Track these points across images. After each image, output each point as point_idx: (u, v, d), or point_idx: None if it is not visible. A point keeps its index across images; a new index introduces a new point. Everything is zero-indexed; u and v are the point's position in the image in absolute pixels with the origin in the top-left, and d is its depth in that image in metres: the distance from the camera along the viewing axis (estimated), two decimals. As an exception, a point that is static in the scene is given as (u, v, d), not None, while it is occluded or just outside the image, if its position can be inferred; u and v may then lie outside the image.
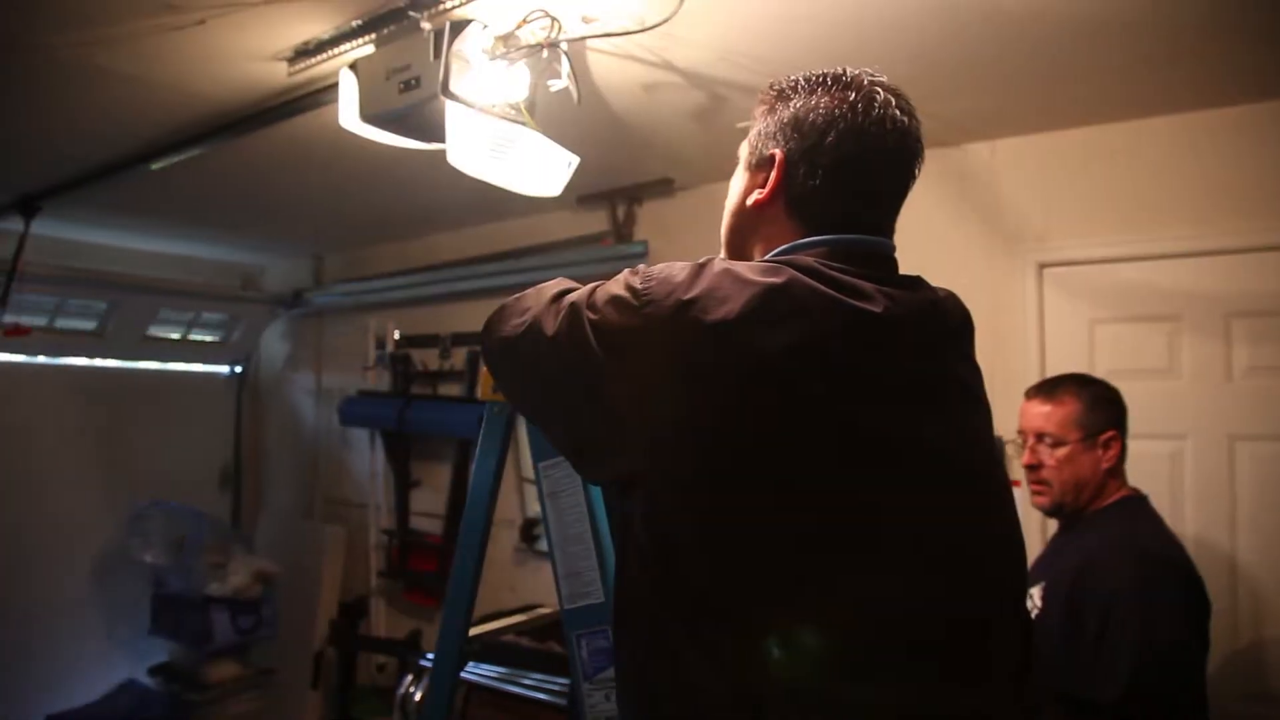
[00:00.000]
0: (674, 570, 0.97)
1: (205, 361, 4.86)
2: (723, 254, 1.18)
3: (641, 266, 1.03)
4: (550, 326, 1.05)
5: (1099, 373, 2.28)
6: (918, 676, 0.94)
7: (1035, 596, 1.88)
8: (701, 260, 1.02)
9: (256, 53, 2.05)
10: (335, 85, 1.99)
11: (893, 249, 1.11)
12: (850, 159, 1.06)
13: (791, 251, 1.06)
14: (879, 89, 1.08)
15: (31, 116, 2.51)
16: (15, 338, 3.37)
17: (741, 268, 0.99)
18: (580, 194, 3.35)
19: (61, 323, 4.01)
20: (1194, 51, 2.06)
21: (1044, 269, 2.67)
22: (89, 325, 4.17)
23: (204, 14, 1.83)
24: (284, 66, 2.10)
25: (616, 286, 1.02)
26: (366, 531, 4.40)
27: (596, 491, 1.29)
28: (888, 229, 1.12)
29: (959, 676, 0.96)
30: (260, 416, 5.08)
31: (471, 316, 4.03)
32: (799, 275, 0.97)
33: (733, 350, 0.93)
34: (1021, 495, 2.20)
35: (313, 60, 2.02)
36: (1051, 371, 2.50)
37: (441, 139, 1.83)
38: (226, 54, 2.06)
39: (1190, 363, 2.48)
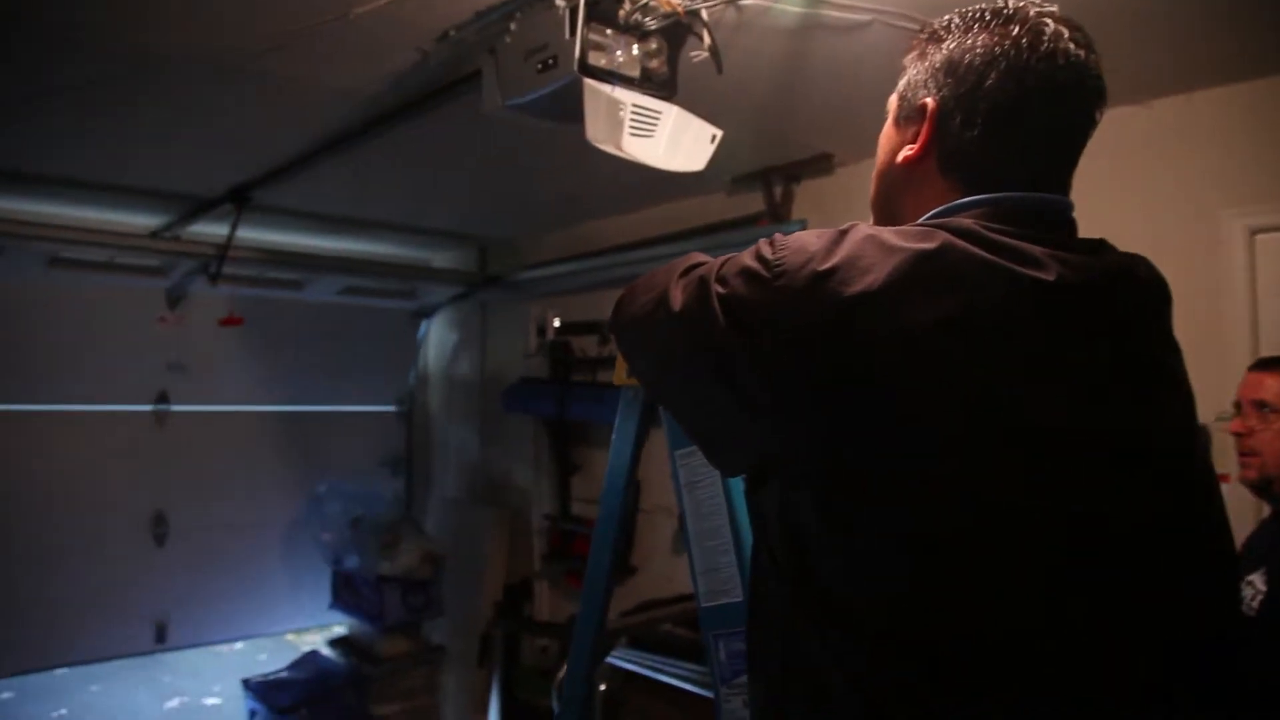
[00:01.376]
0: (806, 572, 0.88)
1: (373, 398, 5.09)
2: (871, 222, 1.06)
3: (777, 235, 0.94)
4: (677, 302, 0.97)
5: None
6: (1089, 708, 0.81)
7: (1257, 583, 1.70)
8: (843, 226, 0.91)
9: (400, 43, 2.07)
10: (479, 71, 1.98)
11: (1069, 207, 0.95)
12: (1014, 103, 0.92)
13: (946, 214, 0.93)
14: (1048, 20, 0.93)
15: (227, 121, 2.68)
16: (230, 326, 3.62)
17: (887, 233, 0.88)
18: (735, 174, 3.26)
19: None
20: None
21: (1256, 235, 2.36)
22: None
23: (350, 9, 1.87)
24: (428, 55, 2.11)
25: (748, 257, 0.93)
26: (529, 516, 4.48)
27: (736, 482, 1.20)
28: (1063, 184, 0.96)
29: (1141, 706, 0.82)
30: (428, 404, 5.26)
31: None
32: (954, 239, 0.85)
33: (876, 326, 0.81)
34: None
35: (455, 46, 2.02)
36: (1266, 347, 2.24)
37: (579, 119, 1.79)
38: (372, 46, 2.09)
39: None
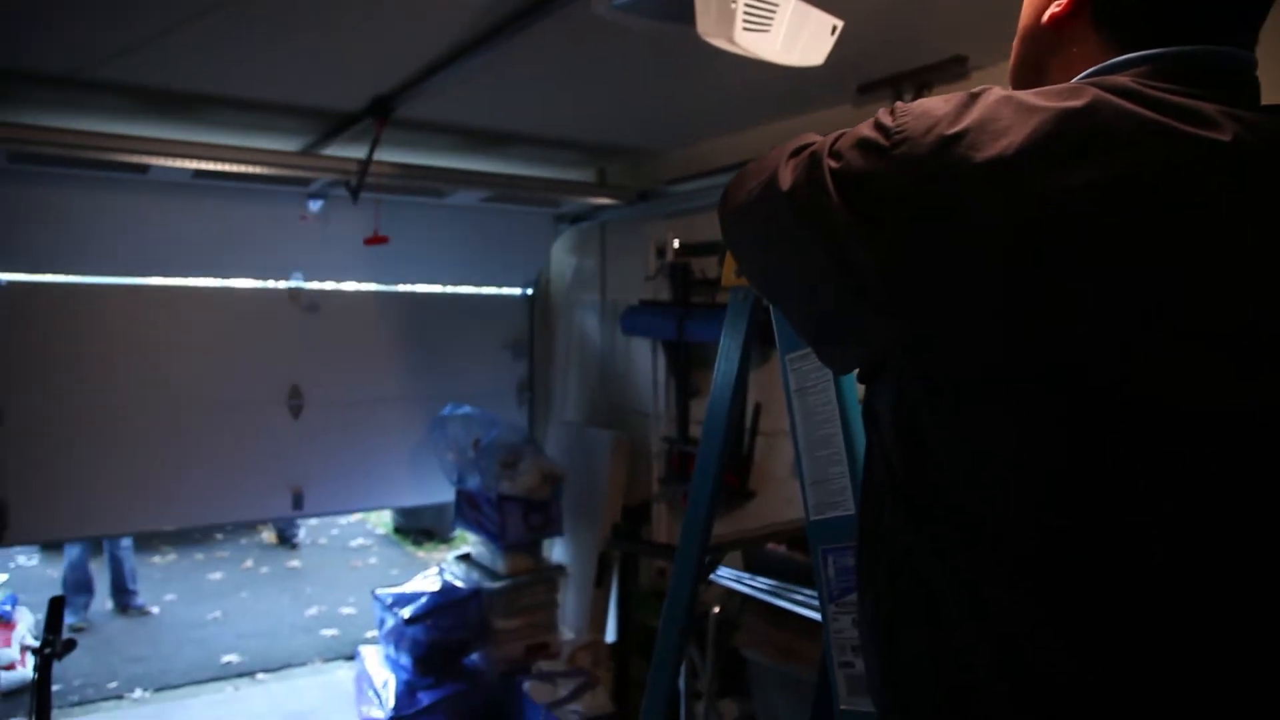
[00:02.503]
0: (923, 476, 0.80)
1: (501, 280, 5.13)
2: None
3: (899, 103, 0.84)
4: (786, 181, 0.88)
5: None
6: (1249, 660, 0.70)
7: None
8: (975, 89, 0.80)
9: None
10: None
11: (1252, 64, 0.81)
12: None
13: (1099, 74, 0.81)
14: None
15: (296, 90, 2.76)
16: (376, 244, 3.61)
17: (1027, 93, 0.76)
18: (861, 82, 3.06)
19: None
20: None
21: None
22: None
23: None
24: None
25: (865, 127, 0.83)
26: (648, 439, 4.47)
27: (850, 387, 1.12)
28: (1245, 38, 0.82)
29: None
30: (550, 327, 5.29)
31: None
32: (1107, 96, 0.73)
33: (1011, 196, 0.71)
34: None
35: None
36: None
37: (688, 16, 1.68)
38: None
39: None
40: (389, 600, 4.08)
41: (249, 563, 6.90)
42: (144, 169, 3.26)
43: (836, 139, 0.86)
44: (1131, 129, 0.71)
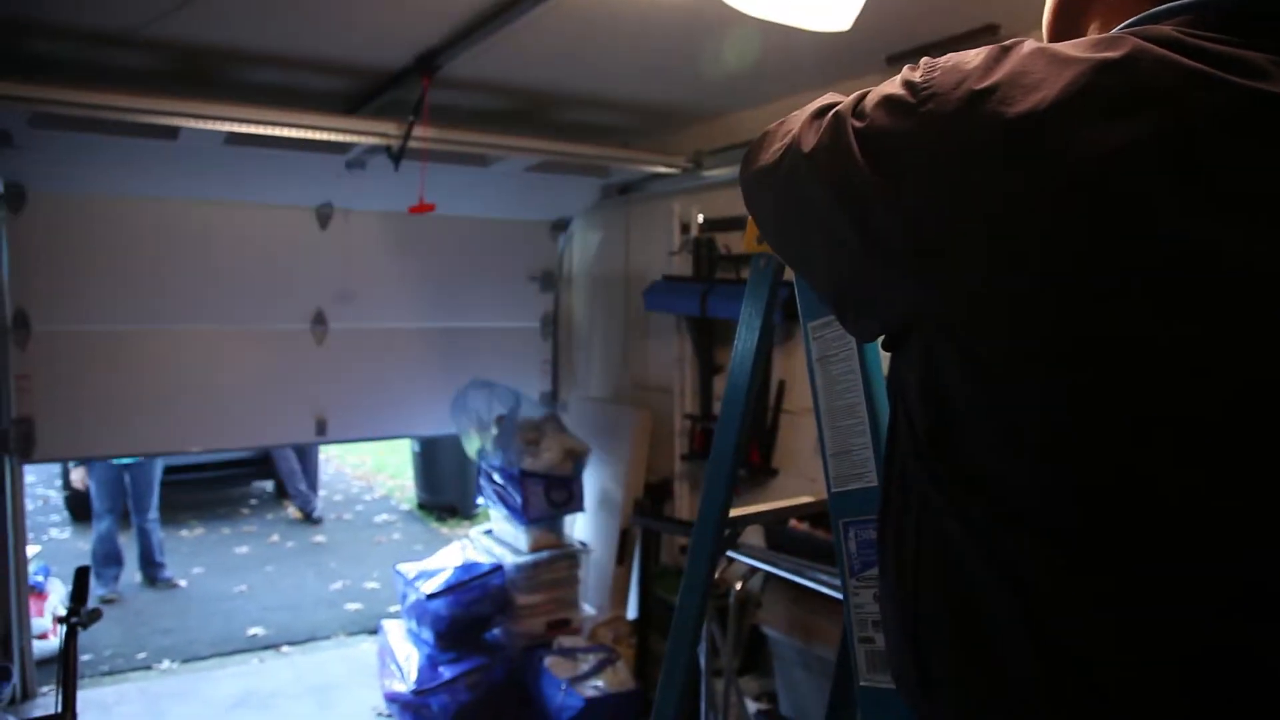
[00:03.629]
0: (953, 450, 0.76)
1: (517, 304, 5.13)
2: None
3: (925, 59, 0.80)
4: (809, 143, 0.85)
5: None
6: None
7: None
8: (1006, 42, 0.76)
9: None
10: None
11: None
12: None
13: (1141, 24, 0.77)
14: None
15: (318, 32, 2.66)
16: (420, 213, 3.52)
17: (1062, 45, 0.72)
18: (889, 53, 3.00)
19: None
20: None
21: None
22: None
23: None
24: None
25: (892, 85, 0.79)
26: (671, 416, 4.45)
27: (874, 355, 1.09)
28: None
29: None
30: (573, 302, 5.28)
31: (773, 197, 3.84)
32: (1148, 45, 0.69)
33: (1046, 153, 0.67)
34: None
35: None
36: None
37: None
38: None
39: None
40: (412, 575, 4.10)
41: (274, 537, 6.98)
42: (174, 132, 3.15)
43: (861, 97, 0.82)
44: (1174, 81, 0.67)
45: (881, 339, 0.89)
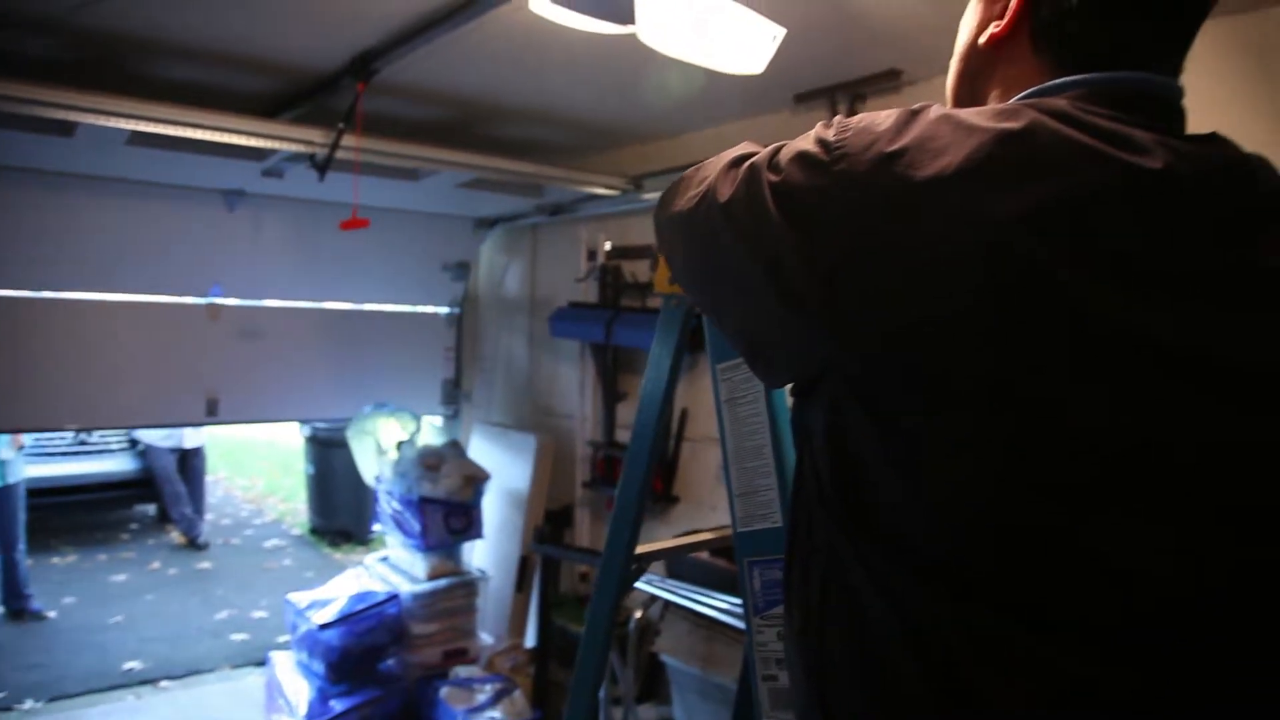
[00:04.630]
0: (859, 496, 0.78)
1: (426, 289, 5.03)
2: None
3: (838, 117, 0.83)
4: (724, 193, 0.87)
5: None
6: (1172, 649, 0.70)
7: None
8: (915, 106, 0.79)
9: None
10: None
11: (1179, 93, 0.82)
12: None
13: (1037, 96, 0.81)
14: None
15: (248, 26, 2.51)
16: (354, 228, 3.33)
17: (967, 113, 0.76)
18: (797, 91, 3.09)
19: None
20: None
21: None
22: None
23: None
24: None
25: (805, 141, 0.82)
26: (573, 442, 4.44)
27: (781, 399, 1.11)
28: (1173, 66, 0.83)
29: (1230, 654, 0.72)
30: (478, 331, 5.22)
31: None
32: (1045, 119, 0.73)
33: (947, 216, 0.70)
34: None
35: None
36: None
37: (628, 18, 1.66)
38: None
39: None
40: (303, 604, 3.96)
41: (156, 564, 6.66)
42: (71, 129, 2.88)
43: (776, 151, 0.84)
44: (1067, 154, 0.71)
45: (790, 385, 0.91)
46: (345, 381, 4.56)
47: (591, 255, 4.31)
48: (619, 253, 4.18)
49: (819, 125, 0.84)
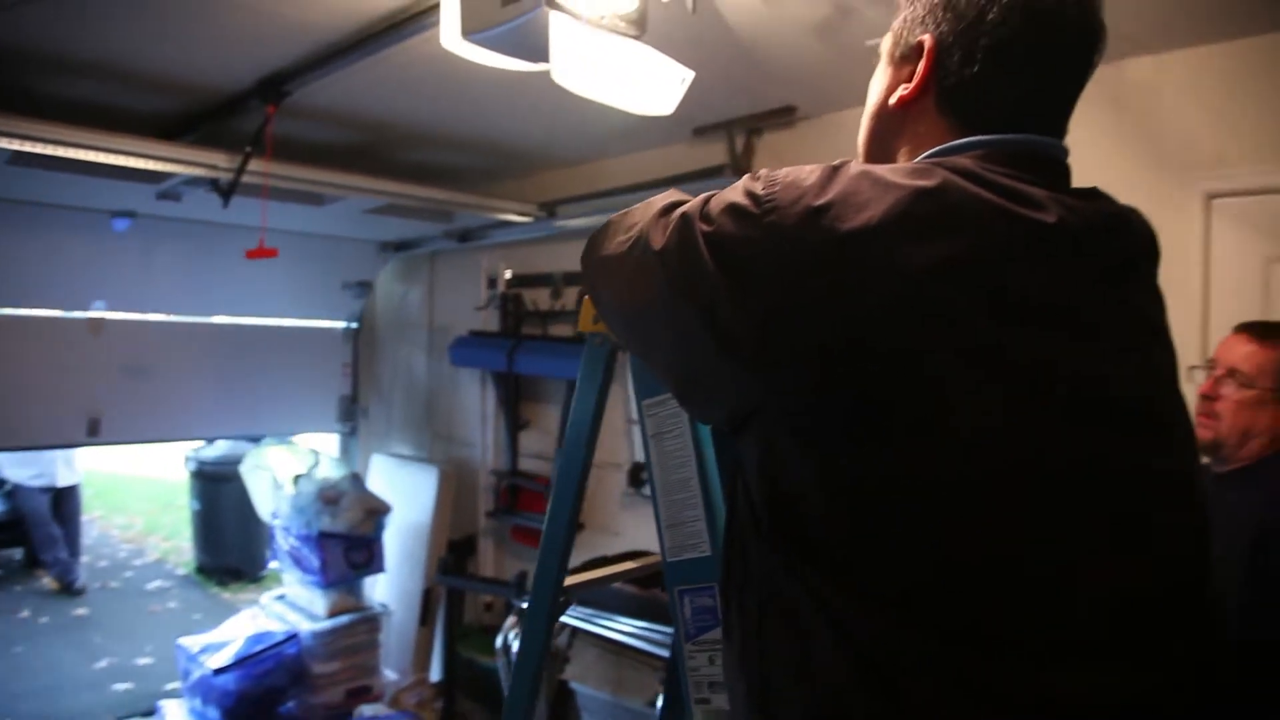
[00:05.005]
0: (793, 525, 0.84)
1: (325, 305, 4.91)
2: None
3: (764, 171, 0.89)
4: (658, 241, 0.91)
5: (1274, 316, 2.07)
6: (1073, 656, 0.78)
7: None
8: (835, 162, 0.86)
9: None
10: (434, 7, 1.88)
11: (1066, 152, 0.92)
12: (1017, 39, 0.88)
13: (944, 154, 0.89)
14: None
15: (151, 43, 2.43)
16: (261, 257, 3.19)
17: (883, 170, 0.83)
18: (696, 125, 3.19)
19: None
20: None
21: (1212, 199, 2.36)
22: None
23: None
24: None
25: (735, 194, 0.87)
26: (476, 471, 4.41)
27: (706, 433, 1.16)
28: (1060, 128, 0.93)
29: (1123, 657, 0.79)
30: (375, 356, 5.15)
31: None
32: (954, 178, 0.80)
33: (872, 266, 0.77)
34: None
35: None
36: (1217, 316, 2.28)
37: (543, 57, 1.70)
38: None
39: (1386, 310, 2.17)
40: (195, 649, 3.81)
41: (25, 613, 6.24)
42: None
43: (706, 202, 0.89)
44: (976, 210, 0.79)
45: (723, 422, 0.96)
46: (237, 399, 4.40)
47: (492, 283, 4.32)
48: (520, 281, 4.20)
49: (746, 178, 0.89)
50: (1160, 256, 0.95)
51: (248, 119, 2.94)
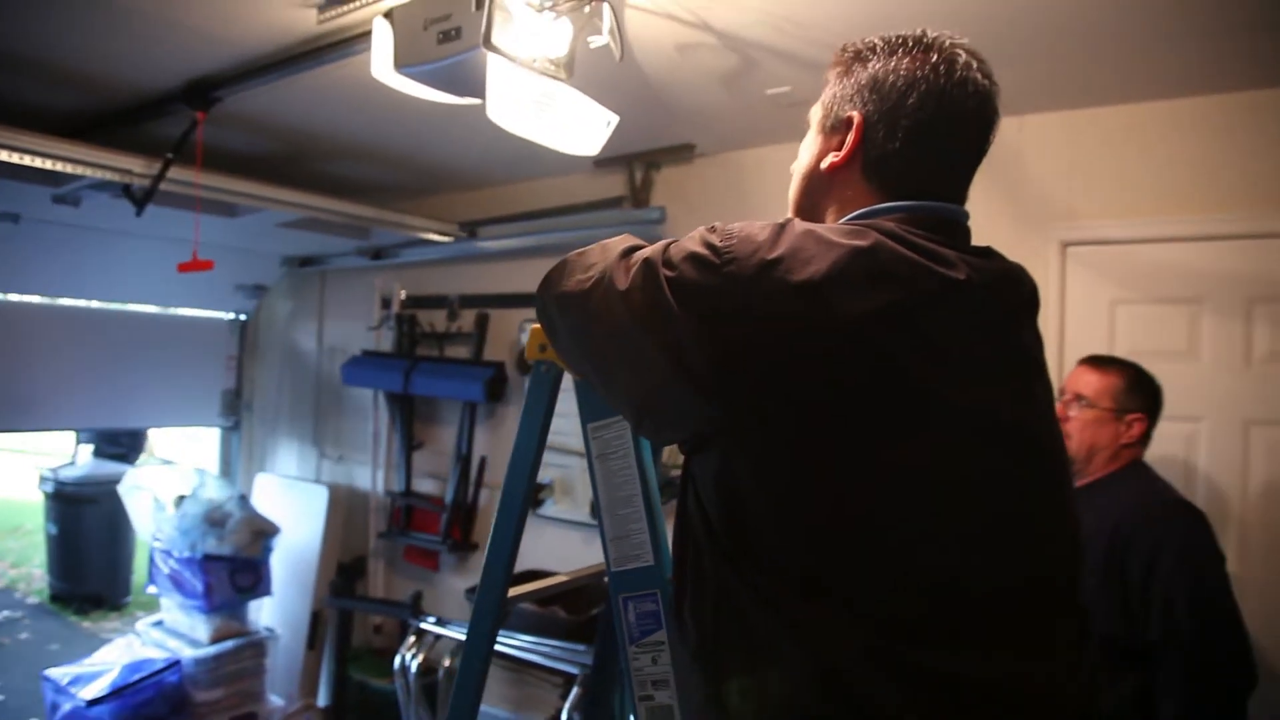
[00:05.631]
0: (745, 535, 0.96)
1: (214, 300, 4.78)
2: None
3: (718, 224, 1.01)
4: (622, 282, 1.02)
5: (1118, 352, 2.37)
6: (988, 644, 0.93)
7: None
8: (781, 221, 0.99)
9: (290, -1, 2.00)
10: (366, 34, 1.94)
11: (967, 216, 1.08)
12: (931, 122, 1.04)
13: (870, 216, 1.04)
14: (960, 51, 1.06)
15: (67, 50, 2.36)
16: (195, 270, 3.00)
17: (824, 229, 0.97)
18: (598, 157, 3.31)
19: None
20: (1227, 33, 2.04)
21: (1067, 248, 2.66)
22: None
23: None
24: (313, 14, 2.04)
25: (694, 244, 0.99)
26: (367, 492, 4.39)
27: (647, 453, 1.27)
28: (963, 196, 1.09)
29: (1028, 645, 0.95)
30: (263, 373, 5.04)
31: (480, 278, 3.99)
32: (884, 239, 0.95)
33: (818, 312, 0.90)
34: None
35: (345, 8, 1.97)
36: (1070, 350, 2.59)
37: (476, 94, 1.79)
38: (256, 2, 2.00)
39: (1210, 346, 2.49)
40: (65, 680, 3.63)
41: None
42: None
43: (666, 249, 1.01)
44: (903, 268, 0.94)
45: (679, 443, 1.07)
46: (116, 389, 4.17)
47: (386, 304, 4.32)
48: (415, 302, 4.22)
49: (703, 230, 1.01)
50: (1040, 305, 1.13)
51: (165, 124, 2.80)
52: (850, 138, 1.07)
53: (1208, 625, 1.84)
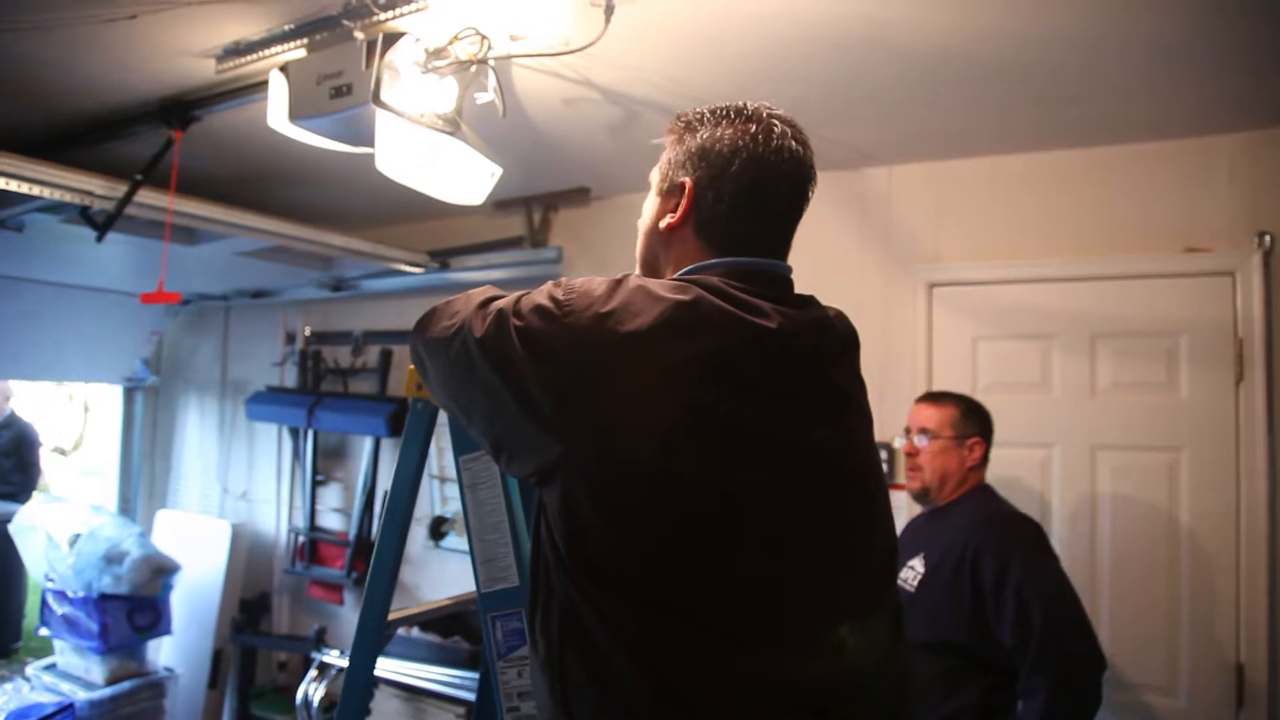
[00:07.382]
0: (584, 554, 1.08)
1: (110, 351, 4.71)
2: (637, 270, 1.29)
3: (564, 279, 1.14)
4: (479, 329, 1.14)
5: (980, 385, 2.63)
6: (808, 645, 1.06)
7: (917, 566, 2.20)
8: (618, 277, 1.13)
9: (186, 48, 2.07)
10: (264, 84, 2.03)
11: (789, 270, 1.23)
12: (751, 186, 1.18)
13: (699, 271, 1.18)
14: (776, 120, 1.21)
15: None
16: (161, 302, 2.85)
17: (654, 285, 1.10)
18: (498, 199, 3.42)
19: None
20: (1076, 95, 2.27)
21: (934, 288, 2.87)
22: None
23: (136, 9, 1.86)
24: (213, 64, 2.13)
25: (540, 296, 1.12)
26: (270, 528, 4.38)
27: (514, 484, 1.38)
28: (784, 250, 1.24)
29: (843, 645, 1.09)
30: (162, 407, 4.98)
31: (385, 315, 4.06)
32: (705, 294, 1.09)
33: (644, 358, 1.04)
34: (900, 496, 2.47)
35: (243, 60, 2.06)
36: (938, 382, 2.78)
37: (368, 143, 1.90)
38: (156, 49, 2.08)
39: (1060, 378, 2.72)
40: (-57, 730, 3.54)
41: None
42: None
43: (518, 301, 1.14)
44: (719, 318, 1.08)
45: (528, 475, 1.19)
46: (30, 349, 4.01)
47: (290, 339, 4.34)
48: (320, 338, 4.26)
49: (550, 284, 1.14)
50: (859, 347, 1.28)
51: (135, 142, 2.63)
52: (684, 202, 1.21)
53: (1061, 620, 1.99)
